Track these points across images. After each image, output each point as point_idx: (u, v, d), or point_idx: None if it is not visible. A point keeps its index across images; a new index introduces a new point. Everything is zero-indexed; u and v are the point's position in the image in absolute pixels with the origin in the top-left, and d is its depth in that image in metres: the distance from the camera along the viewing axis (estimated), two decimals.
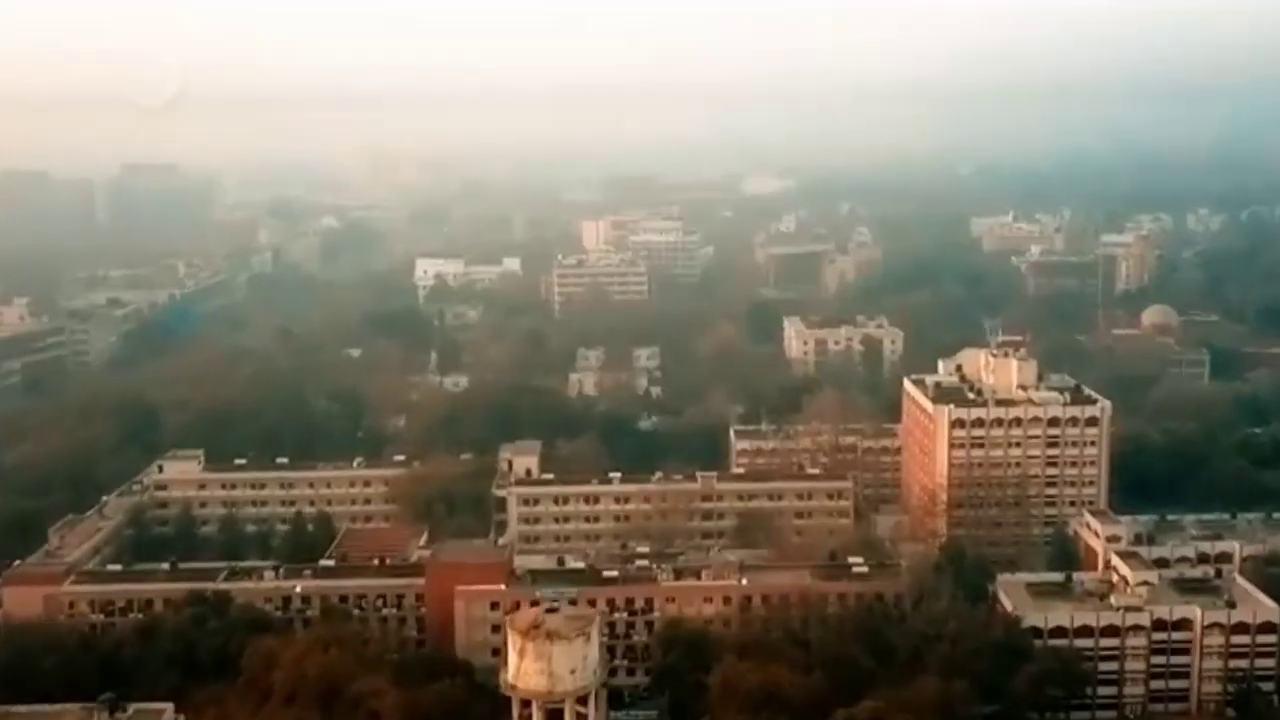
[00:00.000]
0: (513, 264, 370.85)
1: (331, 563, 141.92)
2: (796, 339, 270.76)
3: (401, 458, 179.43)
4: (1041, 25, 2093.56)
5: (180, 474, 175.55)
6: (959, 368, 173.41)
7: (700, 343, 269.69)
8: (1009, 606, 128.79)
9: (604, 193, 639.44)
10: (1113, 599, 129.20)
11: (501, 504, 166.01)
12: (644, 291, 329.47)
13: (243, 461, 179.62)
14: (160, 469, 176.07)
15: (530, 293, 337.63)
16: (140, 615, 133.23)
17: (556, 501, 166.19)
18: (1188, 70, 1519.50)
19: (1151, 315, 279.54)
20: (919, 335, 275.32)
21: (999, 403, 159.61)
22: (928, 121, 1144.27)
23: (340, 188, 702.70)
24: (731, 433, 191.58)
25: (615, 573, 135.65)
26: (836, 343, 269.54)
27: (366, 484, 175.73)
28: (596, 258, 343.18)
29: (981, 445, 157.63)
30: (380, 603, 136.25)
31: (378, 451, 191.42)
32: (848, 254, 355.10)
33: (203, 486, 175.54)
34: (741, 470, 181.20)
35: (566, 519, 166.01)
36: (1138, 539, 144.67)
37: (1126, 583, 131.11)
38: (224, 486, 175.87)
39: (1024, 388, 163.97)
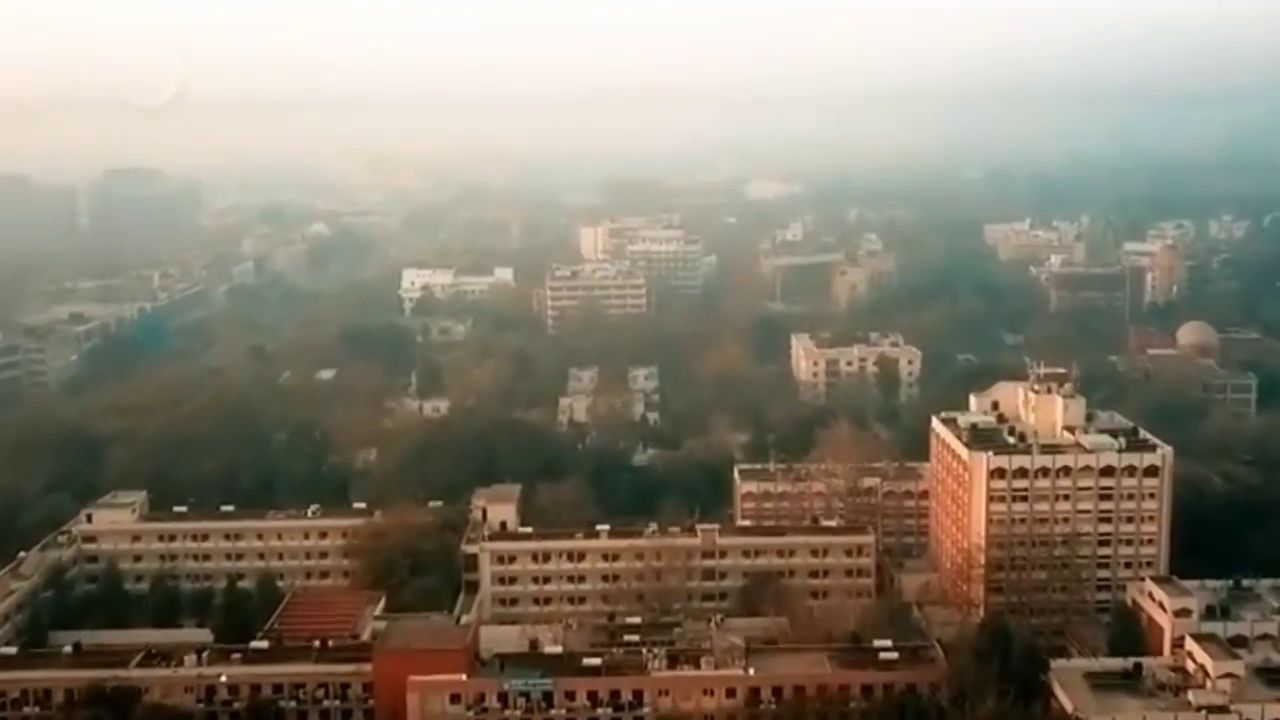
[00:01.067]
0: (505, 274, 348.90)
1: (265, 644, 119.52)
2: (805, 359, 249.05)
3: (362, 505, 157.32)
4: (1044, 27, 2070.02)
5: (111, 524, 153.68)
6: (995, 405, 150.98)
7: (702, 363, 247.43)
8: (1068, 705, 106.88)
9: (604, 197, 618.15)
10: (1190, 696, 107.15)
11: (473, 561, 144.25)
12: (642, 305, 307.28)
13: (183, 509, 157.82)
14: (89, 518, 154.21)
15: (522, 306, 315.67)
16: (38, 709, 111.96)
17: (536, 559, 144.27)
18: (1191, 72, 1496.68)
19: (1188, 333, 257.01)
20: (937, 354, 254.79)
21: (1044, 449, 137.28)
22: (932, 124, 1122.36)
23: (337, 192, 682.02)
24: (735, 473, 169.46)
25: (598, 660, 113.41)
26: (849, 363, 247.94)
27: (322, 535, 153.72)
28: (592, 269, 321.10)
29: (1025, 498, 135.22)
30: (321, 693, 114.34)
31: (341, 494, 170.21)
32: (858, 264, 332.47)
33: (137, 539, 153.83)
34: (747, 521, 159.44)
35: (547, 579, 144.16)
36: (1209, 611, 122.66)
37: (1205, 672, 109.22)
38: (161, 539, 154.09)
39: (1071, 430, 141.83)
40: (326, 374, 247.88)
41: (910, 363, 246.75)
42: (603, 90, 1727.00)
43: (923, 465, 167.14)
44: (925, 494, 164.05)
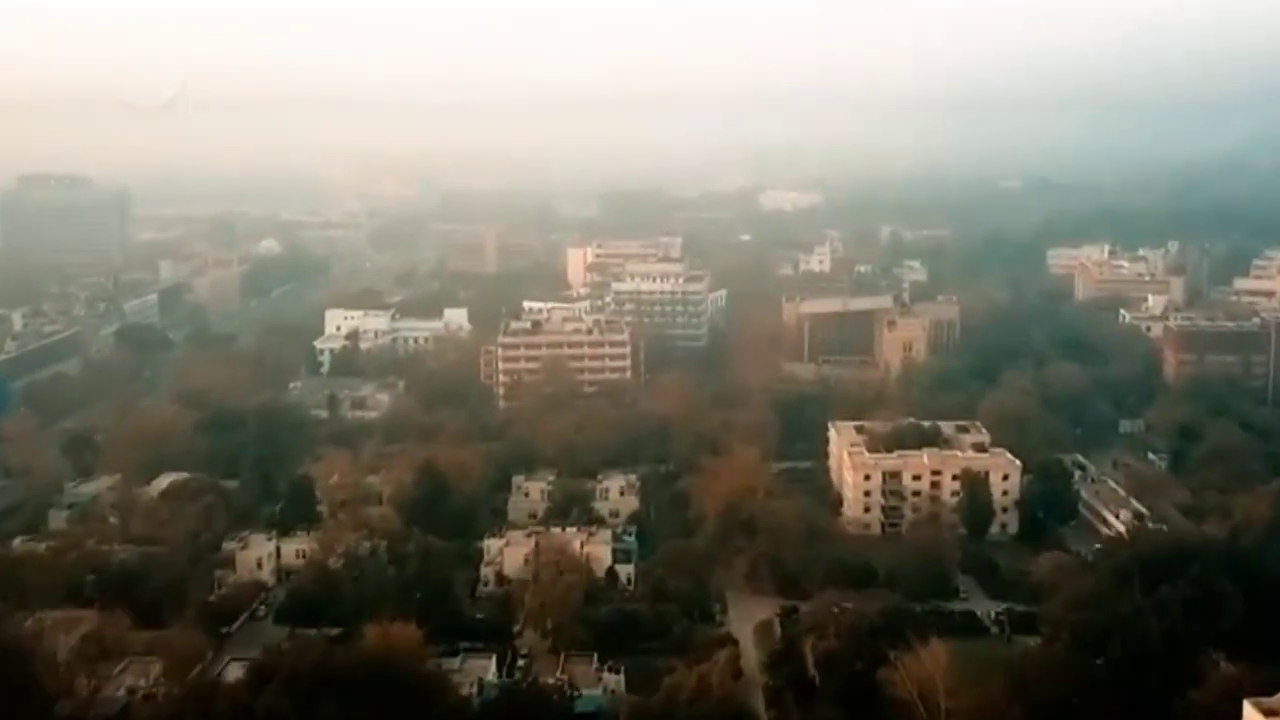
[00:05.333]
0: (458, 316, 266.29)
1: None
2: (853, 470, 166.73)
3: None
4: (1059, 31, 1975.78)
5: None
6: None
7: (703, 470, 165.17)
8: None
9: (603, 208, 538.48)
10: None
11: None
12: (625, 369, 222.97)
13: None
14: None
15: (470, 365, 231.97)
16: None
17: None
18: (1217, 78, 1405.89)
19: None
20: (1033, 453, 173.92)
21: None
22: (952, 129, 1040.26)
23: (310, 199, 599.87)
24: None
25: None
26: (917, 477, 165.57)
27: None
28: (561, 319, 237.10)
29: None
30: None
31: None
32: (912, 312, 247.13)
33: None
34: None
35: None
36: None
37: None
38: None
39: None
40: (163, 482, 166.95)
41: (1005, 478, 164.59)
42: (607, 93, 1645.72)
43: None
44: None
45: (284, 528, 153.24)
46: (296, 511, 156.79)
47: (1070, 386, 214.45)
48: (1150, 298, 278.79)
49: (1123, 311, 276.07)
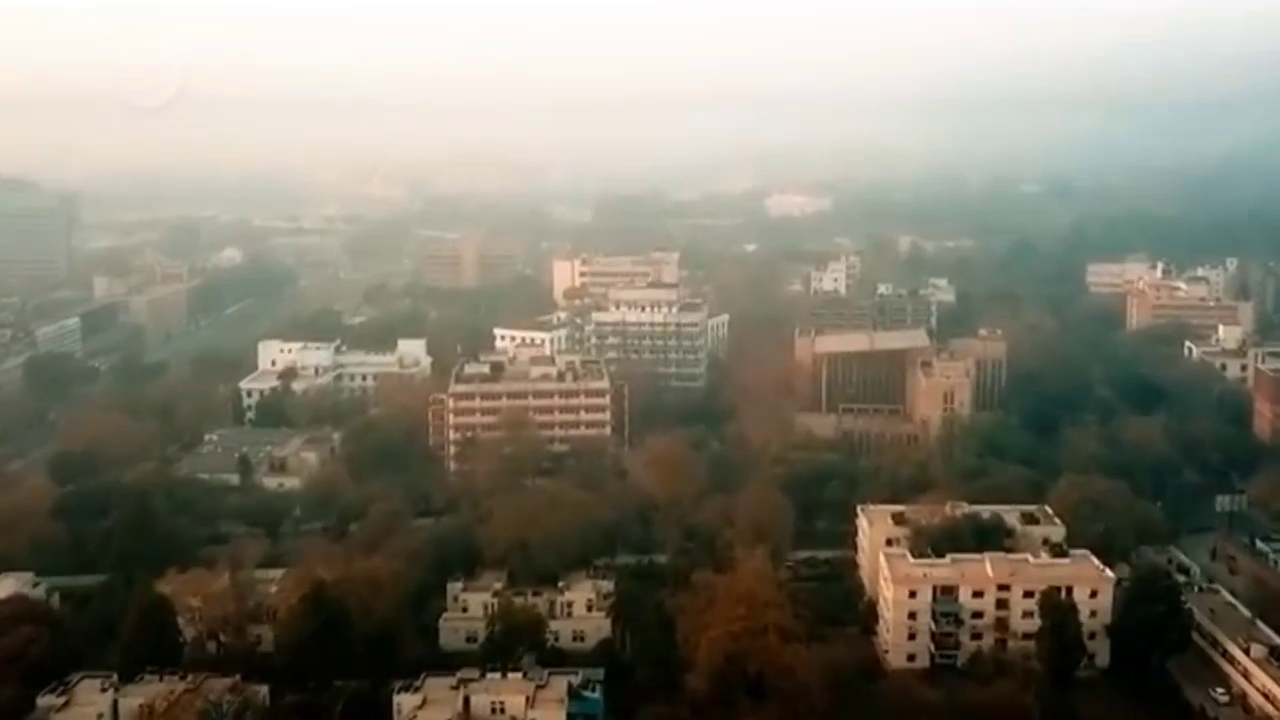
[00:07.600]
0: (415, 349, 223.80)
1: None
2: (894, 586, 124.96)
3: None
4: (1074, 31, 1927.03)
5: None
6: None
7: (697, 593, 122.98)
8: None
9: (598, 213, 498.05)
10: None
11: None
12: (605, 425, 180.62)
13: None
14: None
15: (420, 414, 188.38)
16: None
17: None
18: (1223, 78, 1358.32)
19: None
20: (1117, 551, 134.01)
21: None
22: (962, 130, 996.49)
23: (292, 203, 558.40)
24: None
25: None
26: (978, 594, 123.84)
27: None
28: (529, 361, 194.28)
29: None
30: None
31: None
32: (950, 353, 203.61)
33: None
34: None
35: None
36: None
37: None
38: None
39: None
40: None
41: (1094, 594, 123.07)
42: (607, 94, 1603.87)
43: None
44: None
45: (130, 669, 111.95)
46: (149, 644, 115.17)
47: (1148, 448, 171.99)
48: (1220, 328, 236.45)
49: (1189, 345, 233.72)
